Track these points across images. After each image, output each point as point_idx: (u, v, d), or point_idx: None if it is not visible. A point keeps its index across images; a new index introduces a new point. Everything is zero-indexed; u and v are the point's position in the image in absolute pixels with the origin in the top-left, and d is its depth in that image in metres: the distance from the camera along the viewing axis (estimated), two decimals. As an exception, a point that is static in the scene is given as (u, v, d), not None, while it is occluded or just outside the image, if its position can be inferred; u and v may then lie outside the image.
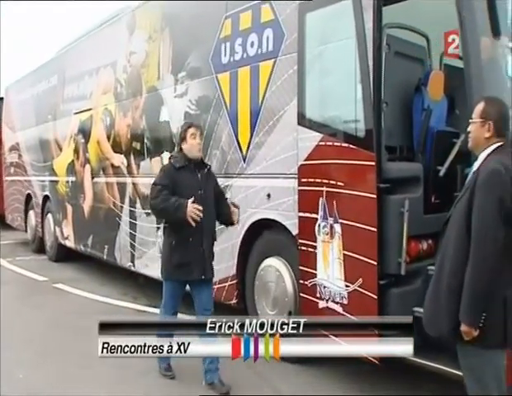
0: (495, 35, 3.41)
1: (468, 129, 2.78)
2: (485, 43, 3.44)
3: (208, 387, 3.99)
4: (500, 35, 3.39)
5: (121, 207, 7.16)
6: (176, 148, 4.98)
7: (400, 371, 3.96)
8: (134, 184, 6.87)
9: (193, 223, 3.74)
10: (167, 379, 4.23)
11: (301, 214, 4.19)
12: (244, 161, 4.92)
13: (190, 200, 3.74)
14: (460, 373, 2.81)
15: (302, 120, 4.23)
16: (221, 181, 5.17)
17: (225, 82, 5.20)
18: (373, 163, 3.64)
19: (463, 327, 2.54)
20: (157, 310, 6.14)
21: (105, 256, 7.68)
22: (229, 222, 4.21)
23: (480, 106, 2.72)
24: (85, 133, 8.31)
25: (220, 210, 4.12)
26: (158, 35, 6.36)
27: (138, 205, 6.76)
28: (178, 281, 4.06)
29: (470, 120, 2.77)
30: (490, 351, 2.59)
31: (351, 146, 3.79)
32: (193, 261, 3.94)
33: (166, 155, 6.15)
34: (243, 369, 4.40)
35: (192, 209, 3.72)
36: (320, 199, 3.99)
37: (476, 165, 2.70)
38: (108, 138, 7.55)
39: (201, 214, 3.75)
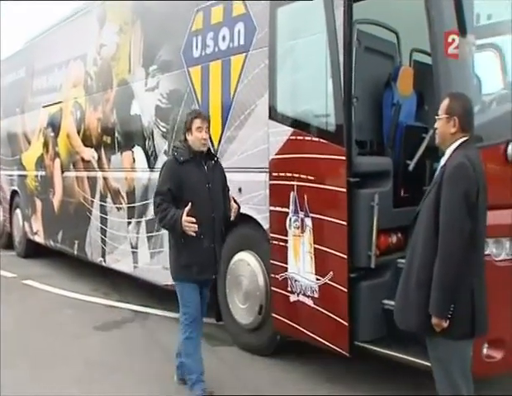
0: (461, 33, 3.46)
1: (435, 125, 2.83)
2: (455, 40, 3.48)
3: (180, 382, 3.97)
4: (467, 33, 3.43)
5: (92, 202, 7.07)
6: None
7: (372, 363, 4.03)
8: (104, 178, 6.80)
9: (193, 234, 3.51)
10: (136, 377, 4.22)
11: (272, 209, 4.21)
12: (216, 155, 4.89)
13: (185, 211, 3.49)
14: (429, 364, 2.87)
15: (273, 115, 4.25)
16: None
17: (197, 76, 5.17)
18: (343, 158, 3.67)
19: (434, 320, 2.59)
20: (129, 305, 6.16)
21: (75, 252, 7.58)
22: (226, 216, 3.89)
23: (445, 102, 2.78)
24: (54, 126, 8.18)
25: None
26: (129, 28, 6.29)
27: (109, 199, 6.69)
28: (191, 282, 3.71)
29: (436, 117, 2.82)
30: (458, 341, 2.65)
31: (321, 140, 3.82)
32: (206, 260, 3.68)
33: (137, 149, 6.12)
34: (214, 361, 4.45)
35: (186, 224, 3.48)
36: (291, 193, 4.01)
37: (443, 160, 2.76)
38: (78, 131, 7.45)
39: (196, 228, 3.50)
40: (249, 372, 4.29)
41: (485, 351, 3.34)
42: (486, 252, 3.18)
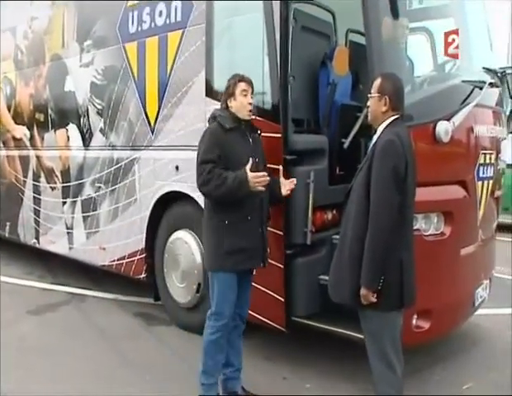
0: (394, 16, 3.53)
1: (367, 103, 2.90)
2: (386, 23, 3.56)
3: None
4: (399, 15, 3.51)
5: (24, 181, 6.82)
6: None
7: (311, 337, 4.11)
8: (38, 157, 6.56)
9: (262, 189, 3.11)
10: (73, 360, 4.13)
11: (210, 186, 4.18)
12: (152, 133, 4.83)
13: (247, 169, 3.06)
14: (362, 336, 2.95)
15: (210, 92, 4.22)
16: (129, 154, 5.10)
17: (133, 52, 5.05)
18: (280, 135, 3.69)
19: (362, 291, 2.67)
20: (64, 288, 6.01)
21: (7, 234, 7.31)
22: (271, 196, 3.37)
23: (377, 82, 2.84)
24: (-17, 103, 7.80)
25: None
26: (62, 1, 6.05)
27: (42, 179, 6.47)
28: (234, 271, 3.20)
29: (368, 95, 2.89)
30: (388, 313, 2.75)
31: (258, 118, 3.79)
32: (253, 245, 3.19)
33: (72, 127, 5.94)
34: (152, 341, 4.43)
35: (256, 179, 3.06)
36: (228, 170, 3.99)
37: (374, 138, 2.83)
38: (9, 108, 7.14)
39: (267, 179, 3.13)
40: (189, 351, 4.27)
41: (414, 321, 3.50)
42: (416, 227, 3.32)
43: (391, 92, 2.79)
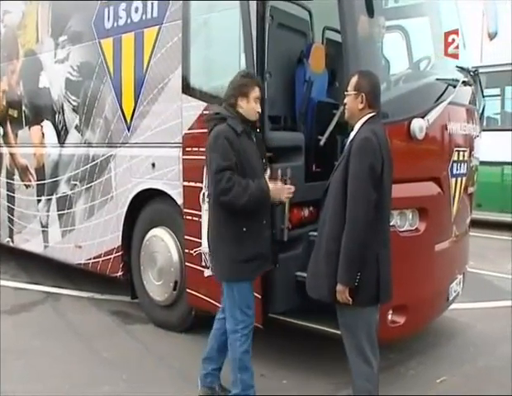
0: (369, 14, 3.55)
1: (344, 100, 2.91)
2: (362, 21, 3.58)
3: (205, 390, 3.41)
4: (374, 14, 3.52)
5: (-3, 179, 6.71)
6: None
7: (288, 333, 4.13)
8: (11, 154, 6.48)
9: (286, 199, 3.12)
10: (50, 360, 4.08)
11: (186, 184, 4.17)
12: (129, 130, 4.79)
13: (267, 177, 3.03)
14: (339, 332, 2.97)
15: (187, 89, 4.20)
16: (105, 151, 5.06)
17: (109, 48, 5.01)
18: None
19: (339, 287, 2.69)
20: (39, 287, 5.93)
21: (-20, 233, 7.18)
22: None
23: (354, 79, 2.86)
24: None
25: None
26: (36, -5, 5.97)
27: (16, 176, 6.38)
28: (252, 279, 3.14)
29: (345, 93, 2.90)
30: (364, 308, 2.78)
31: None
32: (266, 249, 3.14)
33: (46, 124, 5.86)
34: (129, 340, 4.40)
35: (279, 192, 3.07)
36: (205, 168, 3.98)
37: (351, 135, 2.85)
38: (-19, 105, 7.00)
39: (293, 188, 3.11)
40: (166, 349, 4.27)
41: (389, 317, 3.53)
42: (391, 224, 3.35)
43: (367, 90, 2.81)
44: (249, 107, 3.11)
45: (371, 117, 2.81)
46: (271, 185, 3.03)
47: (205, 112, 4.01)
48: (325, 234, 2.81)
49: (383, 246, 2.79)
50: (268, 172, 3.09)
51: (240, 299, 3.08)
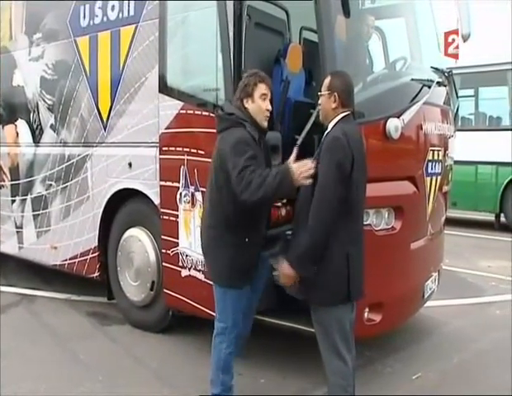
0: (345, 15, 3.56)
1: (319, 101, 2.94)
2: (340, 21, 3.60)
3: None
4: (350, 15, 3.53)
5: (-29, 179, 6.59)
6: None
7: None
8: (-16, 154, 6.35)
9: (309, 181, 2.70)
10: (25, 362, 4.02)
11: (163, 183, 4.15)
12: (105, 129, 4.75)
13: (291, 160, 2.78)
14: (314, 330, 2.97)
15: (163, 88, 4.18)
16: (81, 151, 5.01)
17: (85, 47, 4.96)
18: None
19: (284, 267, 2.74)
20: (13, 288, 5.83)
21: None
22: None
23: (327, 80, 2.90)
24: None
25: None
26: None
27: (-10, 176, 6.26)
28: (246, 286, 3.12)
29: (319, 93, 2.94)
30: (336, 307, 2.79)
31: (211, 115, 3.80)
32: (258, 257, 3.13)
33: (21, 122, 5.78)
34: (106, 341, 4.36)
35: (301, 169, 2.69)
36: (182, 167, 3.98)
37: (325, 134, 2.86)
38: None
39: (312, 168, 2.70)
40: (143, 350, 4.24)
41: (366, 314, 3.55)
42: (367, 222, 3.40)
43: (340, 89, 2.83)
44: (256, 106, 2.99)
45: (344, 116, 2.84)
46: (293, 166, 2.75)
47: (181, 112, 4.02)
48: (298, 232, 2.83)
49: (354, 244, 2.79)
50: (294, 152, 2.85)
51: (232, 305, 3.08)
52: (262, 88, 2.99)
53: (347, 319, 2.85)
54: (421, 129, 3.84)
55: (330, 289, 2.73)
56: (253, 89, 2.98)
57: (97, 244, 4.88)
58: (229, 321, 3.10)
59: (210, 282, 3.80)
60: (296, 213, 2.95)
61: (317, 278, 2.74)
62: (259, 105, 2.98)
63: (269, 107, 3.03)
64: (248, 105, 2.99)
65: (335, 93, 2.81)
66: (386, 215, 3.63)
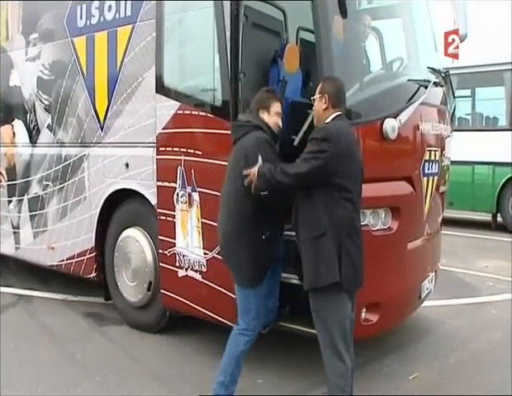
0: (343, 15, 3.57)
1: (313, 106, 3.00)
2: (337, 21, 3.60)
3: None
4: (347, 15, 3.53)
5: (-33, 180, 6.57)
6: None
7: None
8: (-19, 154, 6.33)
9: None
10: (23, 362, 4.01)
11: (160, 184, 4.15)
12: (102, 129, 4.74)
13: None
14: (313, 331, 2.99)
15: (160, 88, 4.18)
16: (77, 151, 5.00)
17: (82, 47, 4.96)
18: (230, 132, 3.68)
19: (252, 171, 2.90)
20: (10, 289, 5.82)
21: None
22: None
23: (320, 85, 3.01)
24: None
25: None
26: (7, -8, 5.88)
27: (-14, 176, 6.25)
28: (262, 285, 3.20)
29: (312, 98, 3.01)
30: (335, 299, 2.81)
31: (208, 115, 3.82)
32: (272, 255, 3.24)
33: (17, 123, 5.77)
34: (104, 342, 4.36)
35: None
36: (179, 168, 3.98)
37: None
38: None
39: None
40: (140, 350, 4.24)
41: (363, 315, 3.56)
42: (364, 223, 3.39)
43: (329, 91, 2.94)
44: (271, 121, 3.23)
45: (336, 116, 2.91)
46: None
47: (179, 112, 4.01)
48: (299, 224, 2.89)
49: (349, 234, 2.81)
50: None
51: (256, 303, 3.16)
52: (277, 107, 3.27)
53: (347, 317, 2.87)
54: (418, 129, 3.85)
55: (320, 271, 2.77)
56: (270, 104, 3.24)
57: (94, 245, 4.87)
58: (254, 320, 3.17)
59: (208, 282, 3.84)
60: (293, 210, 2.97)
61: (310, 259, 2.82)
62: (274, 121, 3.25)
63: (280, 125, 3.29)
64: (265, 116, 3.23)
65: (326, 95, 2.93)
66: (383, 216, 3.63)
